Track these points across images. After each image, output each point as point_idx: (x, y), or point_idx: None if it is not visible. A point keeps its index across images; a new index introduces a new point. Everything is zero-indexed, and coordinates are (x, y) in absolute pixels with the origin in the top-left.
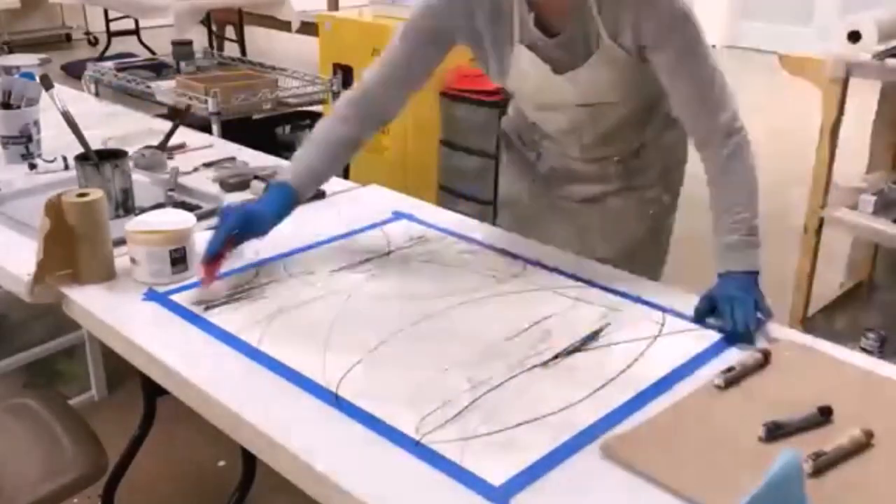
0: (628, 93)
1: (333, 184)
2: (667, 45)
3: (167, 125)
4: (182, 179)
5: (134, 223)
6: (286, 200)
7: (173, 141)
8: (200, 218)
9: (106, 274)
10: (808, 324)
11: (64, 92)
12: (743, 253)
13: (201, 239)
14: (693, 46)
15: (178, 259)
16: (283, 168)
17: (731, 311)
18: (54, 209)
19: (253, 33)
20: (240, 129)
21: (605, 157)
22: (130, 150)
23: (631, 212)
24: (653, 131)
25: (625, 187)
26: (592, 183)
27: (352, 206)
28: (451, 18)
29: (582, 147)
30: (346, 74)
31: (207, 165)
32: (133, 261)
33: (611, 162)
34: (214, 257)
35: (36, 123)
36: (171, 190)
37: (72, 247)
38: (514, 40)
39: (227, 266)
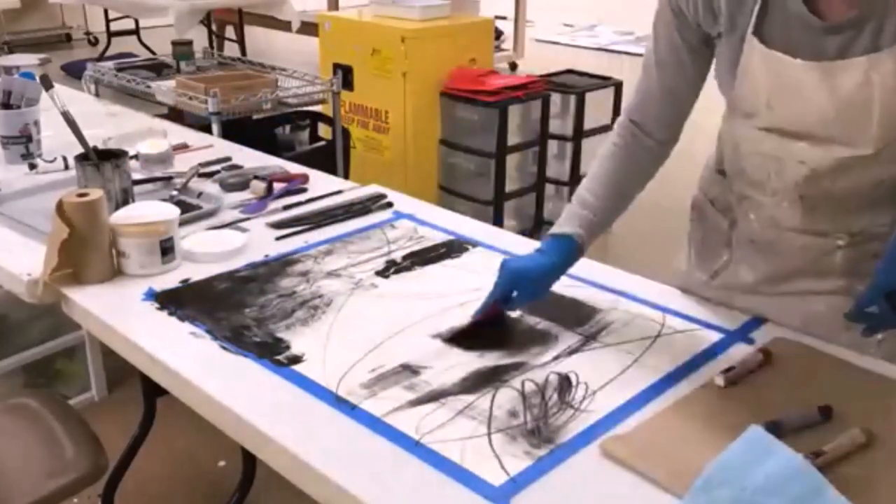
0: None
1: (333, 184)
2: None
3: (167, 125)
4: (181, 179)
5: (117, 217)
6: (565, 253)
7: (174, 141)
8: (200, 218)
9: (106, 274)
10: None
11: (64, 92)
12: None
13: (194, 235)
14: None
15: (168, 249)
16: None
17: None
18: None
19: (253, 33)
20: (240, 129)
21: (829, 232)
22: (131, 151)
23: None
24: None
25: (847, 288)
26: (801, 276)
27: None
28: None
29: (803, 211)
30: (346, 74)
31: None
32: (122, 254)
33: (833, 243)
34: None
35: (36, 123)
36: (177, 190)
37: (72, 247)
38: (750, 28)
39: (226, 266)
